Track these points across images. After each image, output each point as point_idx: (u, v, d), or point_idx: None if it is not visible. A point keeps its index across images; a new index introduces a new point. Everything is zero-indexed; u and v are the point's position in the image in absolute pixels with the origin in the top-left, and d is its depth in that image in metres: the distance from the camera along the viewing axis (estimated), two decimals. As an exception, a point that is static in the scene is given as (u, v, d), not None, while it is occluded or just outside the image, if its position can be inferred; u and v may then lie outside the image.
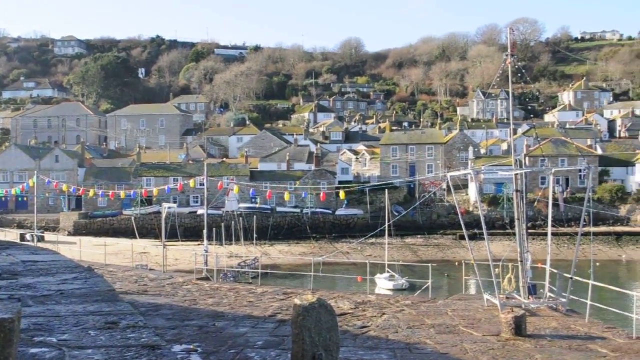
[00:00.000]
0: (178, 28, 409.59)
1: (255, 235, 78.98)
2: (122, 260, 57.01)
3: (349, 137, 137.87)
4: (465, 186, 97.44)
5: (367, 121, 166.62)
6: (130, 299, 17.05)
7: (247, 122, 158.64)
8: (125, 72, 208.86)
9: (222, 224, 76.53)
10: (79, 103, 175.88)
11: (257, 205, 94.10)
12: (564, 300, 20.19)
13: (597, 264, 76.03)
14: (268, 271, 60.53)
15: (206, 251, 54.77)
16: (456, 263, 67.85)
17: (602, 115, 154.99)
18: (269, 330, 15.01)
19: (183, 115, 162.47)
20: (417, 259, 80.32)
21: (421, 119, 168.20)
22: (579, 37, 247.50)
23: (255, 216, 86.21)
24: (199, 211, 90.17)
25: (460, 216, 28.13)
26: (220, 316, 16.83)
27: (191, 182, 75.76)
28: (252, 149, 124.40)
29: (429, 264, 30.30)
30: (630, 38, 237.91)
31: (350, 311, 18.98)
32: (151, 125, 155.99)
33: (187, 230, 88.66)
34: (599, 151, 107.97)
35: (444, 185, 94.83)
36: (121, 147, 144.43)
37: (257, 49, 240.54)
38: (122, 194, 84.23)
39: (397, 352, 14.02)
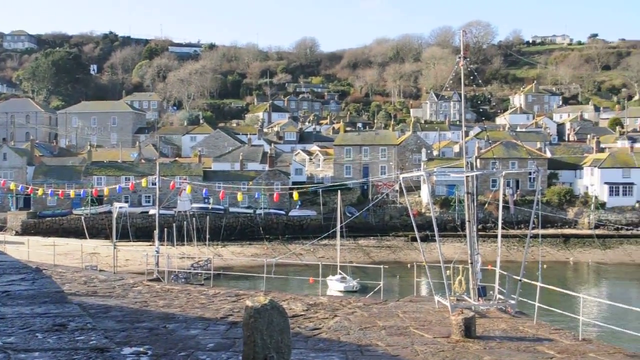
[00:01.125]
0: (132, 24, 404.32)
1: (207, 236, 78.42)
2: (72, 261, 56.06)
3: (303, 138, 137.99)
4: (418, 188, 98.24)
5: (321, 122, 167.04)
6: (79, 301, 16.80)
7: (201, 121, 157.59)
8: (77, 68, 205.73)
9: (174, 225, 75.80)
10: (28, 99, 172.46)
11: (209, 206, 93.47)
12: (513, 302, 20.51)
13: (545, 266, 77.25)
14: (220, 272, 60.16)
15: (157, 252, 54.27)
16: (408, 265, 68.34)
17: (551, 118, 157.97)
18: (220, 333, 14.93)
19: (136, 113, 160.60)
20: (369, 261, 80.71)
21: (375, 120, 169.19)
22: (531, 41, 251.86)
23: (208, 217, 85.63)
24: (151, 211, 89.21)
25: (412, 218, 28.35)
26: (171, 318, 16.69)
27: (143, 182, 74.99)
28: (206, 149, 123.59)
29: (381, 266, 30.47)
30: (579, 43, 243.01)
31: (302, 313, 19.00)
32: (103, 123, 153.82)
33: (139, 230, 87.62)
34: (549, 154, 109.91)
35: (397, 187, 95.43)
36: (72, 145, 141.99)
37: (211, 47, 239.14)
38: (72, 193, 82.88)
39: (349, 354, 14.08)
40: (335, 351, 14.39)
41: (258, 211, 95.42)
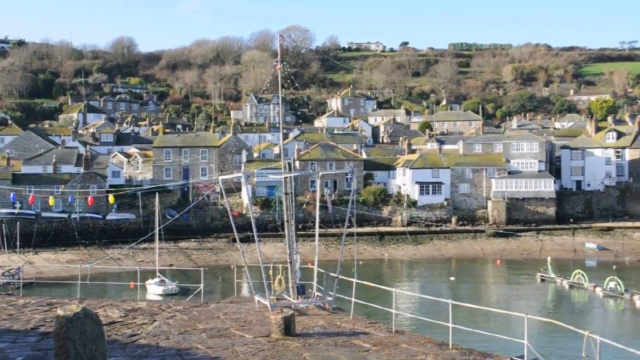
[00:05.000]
0: None
1: (18, 243, 74.06)
2: None
3: (121, 139, 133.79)
4: (239, 189, 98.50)
5: (139, 123, 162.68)
6: None
7: (9, 122, 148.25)
8: None
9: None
10: None
11: (16, 211, 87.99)
12: (330, 299, 21.07)
13: (361, 262, 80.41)
14: (33, 281, 57.17)
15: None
16: (231, 266, 68.36)
17: (367, 121, 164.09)
18: (30, 345, 14.18)
19: None
20: (190, 263, 79.95)
21: (195, 122, 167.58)
22: (347, 47, 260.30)
23: (18, 222, 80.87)
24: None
25: (232, 219, 28.35)
26: (-25, 332, 15.63)
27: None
28: (15, 151, 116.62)
29: (201, 268, 30.26)
30: (392, 50, 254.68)
31: (119, 320, 18.45)
32: None
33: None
34: (364, 156, 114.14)
35: (218, 189, 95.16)
36: None
37: (21, 43, 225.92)
38: None
39: (168, 359, 13.86)
40: (154, 357, 14.12)
41: (73, 215, 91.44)
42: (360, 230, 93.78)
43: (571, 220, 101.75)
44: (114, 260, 77.96)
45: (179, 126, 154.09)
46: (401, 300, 60.06)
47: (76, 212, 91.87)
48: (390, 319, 17.84)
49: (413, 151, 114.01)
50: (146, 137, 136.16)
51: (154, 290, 62.36)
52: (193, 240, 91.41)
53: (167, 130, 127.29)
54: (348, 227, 23.94)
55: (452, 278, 75.81)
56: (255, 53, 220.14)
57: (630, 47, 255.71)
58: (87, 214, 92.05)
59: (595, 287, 67.36)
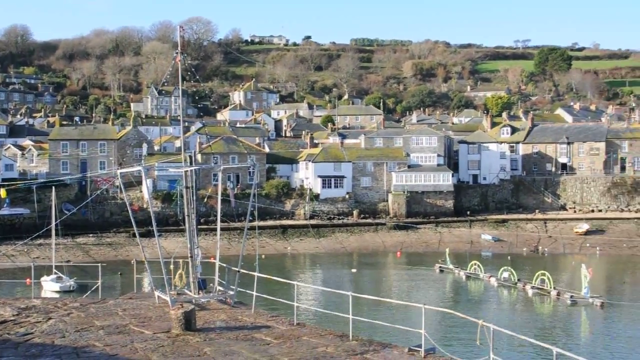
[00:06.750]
0: None
1: None
2: None
3: (15, 132, 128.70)
4: (140, 183, 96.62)
5: (34, 115, 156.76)
6: None
7: None
8: None
9: None
10: None
11: None
12: (232, 293, 21.00)
13: (263, 256, 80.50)
14: None
15: None
16: (131, 261, 67.12)
17: (269, 115, 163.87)
18: None
19: None
20: (89, 259, 78.01)
21: (94, 114, 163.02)
22: (249, 40, 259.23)
23: None
24: None
25: (131, 214, 27.77)
26: None
27: None
28: None
29: (99, 264, 29.56)
30: (295, 44, 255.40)
31: (12, 318, 17.83)
32: None
33: None
34: (267, 149, 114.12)
35: (117, 183, 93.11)
36: None
37: None
38: None
39: (64, 358, 13.52)
40: (49, 356, 13.73)
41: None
42: (262, 223, 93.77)
43: (468, 212, 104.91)
44: (7, 257, 75.15)
45: (77, 118, 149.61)
46: (303, 293, 60.48)
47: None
48: (292, 312, 17.94)
49: (315, 145, 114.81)
50: (42, 129, 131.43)
51: (50, 287, 60.67)
52: (92, 235, 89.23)
53: (64, 123, 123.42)
54: (250, 221, 23.93)
55: (353, 270, 76.91)
56: (156, 44, 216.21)
57: (524, 45, 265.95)
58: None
59: (490, 277, 69.82)
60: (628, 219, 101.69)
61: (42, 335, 15.89)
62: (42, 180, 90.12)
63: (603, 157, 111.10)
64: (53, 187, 74.62)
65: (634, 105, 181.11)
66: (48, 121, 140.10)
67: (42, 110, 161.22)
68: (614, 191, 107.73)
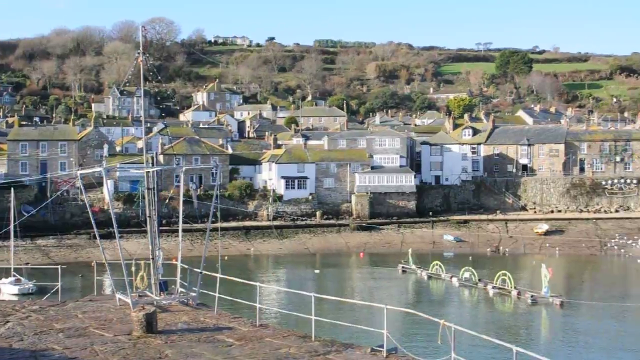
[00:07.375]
0: None
1: None
2: None
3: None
4: (101, 184, 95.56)
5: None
6: None
7: None
8: None
9: None
10: None
11: None
12: (194, 294, 20.90)
13: (226, 257, 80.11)
14: None
15: None
16: (92, 263, 66.38)
17: (232, 116, 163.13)
18: None
19: None
20: (48, 261, 76.97)
21: (54, 115, 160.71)
22: (213, 41, 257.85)
23: None
24: None
25: (91, 215, 27.53)
26: None
27: None
28: None
29: (59, 266, 29.15)
30: (258, 45, 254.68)
31: (-32, 321, 17.54)
32: None
33: None
34: (230, 150, 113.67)
35: (78, 184, 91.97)
36: None
37: None
38: None
39: (22, 361, 13.34)
40: None
41: None
42: (225, 225, 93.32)
43: (430, 213, 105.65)
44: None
45: (37, 118, 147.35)
46: (266, 294, 60.40)
47: None
48: (255, 313, 17.93)
49: (279, 146, 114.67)
50: (0, 129, 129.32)
51: (8, 290, 59.88)
52: (51, 237, 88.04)
53: (24, 123, 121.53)
54: (213, 222, 23.86)
55: (316, 271, 77.07)
56: (118, 44, 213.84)
57: (486, 48, 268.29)
58: None
59: (452, 277, 70.46)
60: (587, 219, 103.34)
61: (0, 338, 15.66)
62: (1, 182, 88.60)
63: (562, 158, 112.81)
64: (12, 188, 73.52)
65: (592, 107, 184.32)
66: (7, 121, 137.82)
67: (1, 110, 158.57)
68: (573, 192, 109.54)
